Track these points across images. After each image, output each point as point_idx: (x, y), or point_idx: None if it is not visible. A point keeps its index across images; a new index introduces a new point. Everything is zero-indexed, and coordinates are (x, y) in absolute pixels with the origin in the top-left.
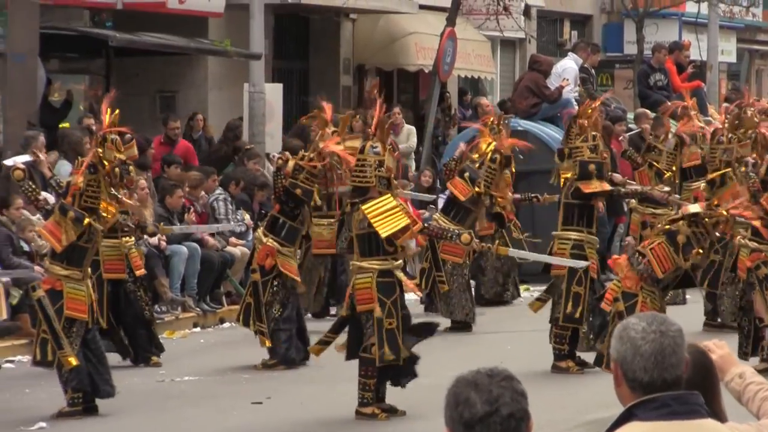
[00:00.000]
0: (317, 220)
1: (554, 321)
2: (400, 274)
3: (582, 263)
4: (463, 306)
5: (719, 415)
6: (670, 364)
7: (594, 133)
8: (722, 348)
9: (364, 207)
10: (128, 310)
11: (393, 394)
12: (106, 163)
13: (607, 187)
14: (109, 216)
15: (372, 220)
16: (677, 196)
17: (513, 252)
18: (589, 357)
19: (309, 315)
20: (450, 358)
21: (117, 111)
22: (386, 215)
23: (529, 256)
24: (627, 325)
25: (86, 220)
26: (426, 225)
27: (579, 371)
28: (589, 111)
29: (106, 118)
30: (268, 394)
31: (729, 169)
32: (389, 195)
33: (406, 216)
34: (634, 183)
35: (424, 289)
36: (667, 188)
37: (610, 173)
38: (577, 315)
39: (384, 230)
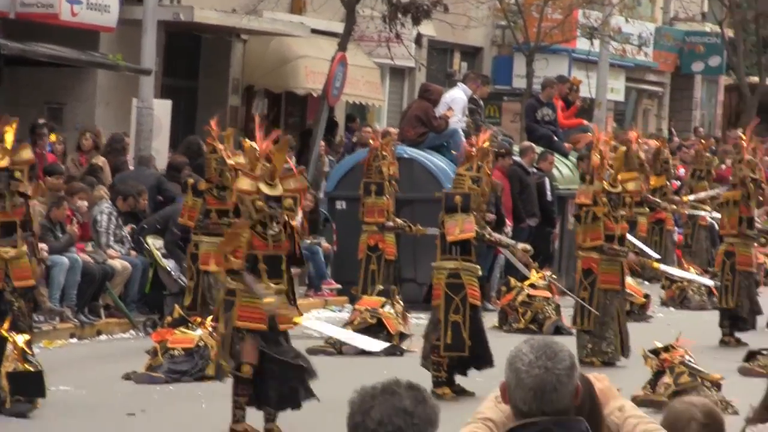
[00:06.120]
0: None
1: (435, 349)
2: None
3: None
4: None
5: None
6: (550, 400)
7: (480, 163)
8: (602, 381)
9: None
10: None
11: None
12: None
13: (471, 231)
14: None
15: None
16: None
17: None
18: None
19: None
20: None
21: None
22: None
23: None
24: (518, 353)
25: None
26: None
27: (453, 398)
28: (481, 141)
29: None
30: (143, 407)
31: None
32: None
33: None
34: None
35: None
36: (529, 247)
37: (485, 214)
38: (453, 342)
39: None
